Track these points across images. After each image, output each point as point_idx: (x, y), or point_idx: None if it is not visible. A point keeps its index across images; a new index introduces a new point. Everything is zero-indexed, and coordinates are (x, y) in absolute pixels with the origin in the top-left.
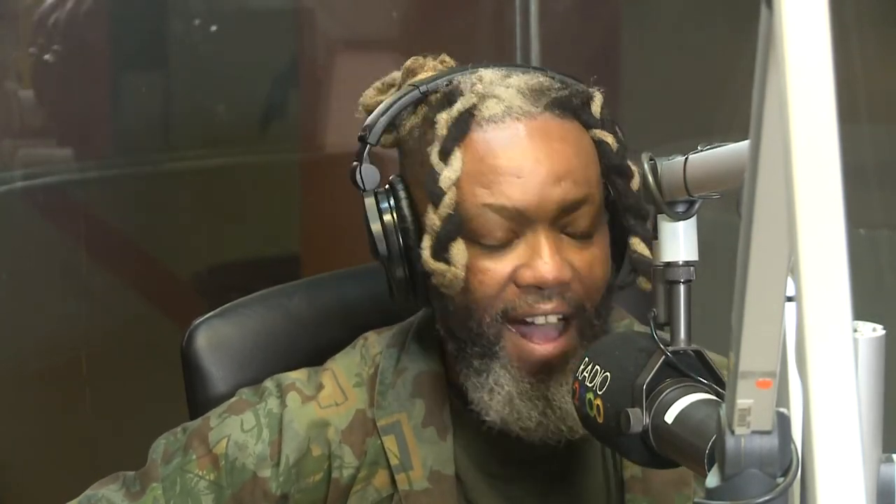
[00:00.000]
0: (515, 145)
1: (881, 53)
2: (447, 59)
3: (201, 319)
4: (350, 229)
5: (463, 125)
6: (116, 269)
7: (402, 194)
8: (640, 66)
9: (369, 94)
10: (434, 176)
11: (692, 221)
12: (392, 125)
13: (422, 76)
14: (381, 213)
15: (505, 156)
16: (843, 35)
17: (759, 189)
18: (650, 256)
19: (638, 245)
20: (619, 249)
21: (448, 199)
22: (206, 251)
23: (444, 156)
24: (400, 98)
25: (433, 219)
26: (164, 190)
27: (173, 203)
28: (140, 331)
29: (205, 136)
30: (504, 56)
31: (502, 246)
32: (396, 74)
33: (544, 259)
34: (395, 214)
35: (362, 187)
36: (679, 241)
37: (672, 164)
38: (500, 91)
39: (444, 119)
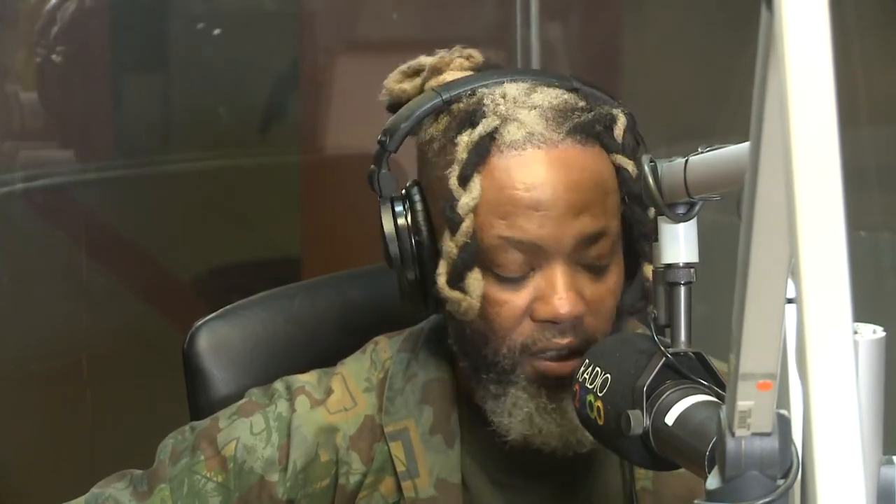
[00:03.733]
0: (535, 176)
1: (882, 55)
2: (474, 54)
3: (202, 321)
4: (351, 231)
5: (482, 150)
6: (117, 271)
7: (418, 202)
8: (641, 67)
9: (395, 78)
10: (452, 201)
11: (693, 223)
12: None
13: (447, 76)
14: (395, 219)
15: (524, 187)
16: (844, 37)
17: (759, 191)
18: None
19: (651, 272)
20: (630, 272)
21: (465, 227)
22: (206, 253)
23: (464, 182)
24: (422, 106)
25: (450, 246)
26: (165, 192)
27: (174, 205)
28: (141, 333)
29: (205, 137)
30: (505, 58)
31: (518, 278)
32: (424, 60)
33: (559, 294)
34: (409, 222)
35: (380, 193)
36: (679, 243)
37: (672, 166)
38: (522, 114)
39: (464, 142)
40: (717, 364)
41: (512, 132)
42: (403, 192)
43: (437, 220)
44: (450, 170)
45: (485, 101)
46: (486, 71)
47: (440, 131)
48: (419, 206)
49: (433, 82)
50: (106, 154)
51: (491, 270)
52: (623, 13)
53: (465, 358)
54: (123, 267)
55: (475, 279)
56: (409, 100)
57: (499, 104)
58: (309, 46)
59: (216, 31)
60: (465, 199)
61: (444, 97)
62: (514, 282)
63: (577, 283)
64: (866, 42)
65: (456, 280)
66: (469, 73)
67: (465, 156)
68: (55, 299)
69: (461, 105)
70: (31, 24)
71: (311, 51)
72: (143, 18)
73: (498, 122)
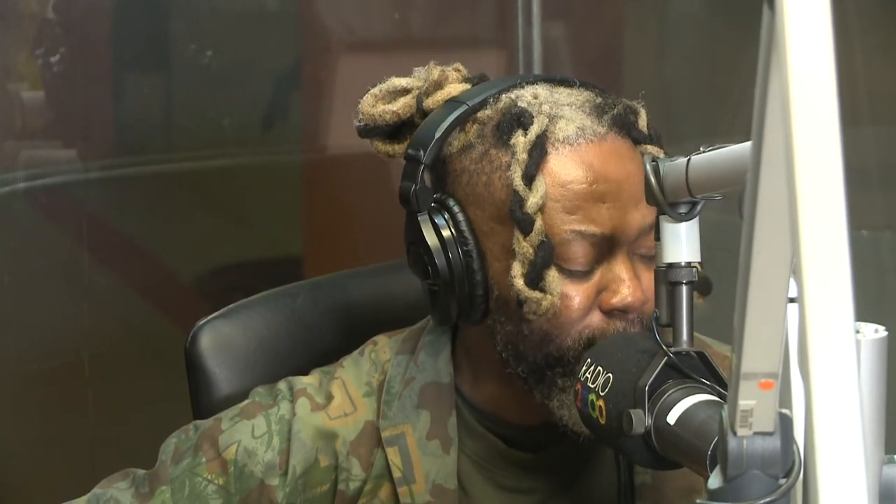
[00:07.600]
0: (594, 169)
1: (883, 54)
2: (461, 67)
3: (205, 321)
4: (353, 230)
5: (541, 148)
6: (119, 271)
7: (459, 213)
8: (642, 66)
9: (369, 102)
10: (520, 202)
11: (695, 222)
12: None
13: (450, 89)
14: (440, 234)
15: (587, 180)
16: (846, 36)
17: (761, 190)
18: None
19: None
20: None
21: (539, 226)
22: (209, 252)
23: (529, 181)
24: (448, 116)
25: (524, 246)
26: (167, 191)
27: (176, 204)
28: (143, 332)
29: (207, 137)
30: (506, 57)
31: (585, 271)
32: (398, 82)
33: (627, 283)
34: (454, 234)
35: (417, 209)
36: (681, 243)
37: (674, 165)
38: (565, 111)
39: (521, 142)
40: (718, 347)
41: (563, 128)
42: (434, 204)
43: (483, 228)
44: (509, 172)
45: (519, 103)
46: (494, 80)
47: (474, 139)
48: (461, 217)
49: (438, 97)
50: (108, 153)
51: (559, 265)
52: (624, 12)
53: (519, 361)
54: (125, 266)
55: (554, 277)
56: (396, 121)
57: (535, 104)
58: (310, 46)
59: (218, 31)
60: (534, 199)
61: (470, 104)
62: (581, 275)
63: (637, 272)
64: (868, 40)
65: (535, 280)
66: (465, 85)
67: (525, 156)
68: (57, 298)
69: (488, 112)
70: (33, 24)
71: (312, 50)
72: (145, 17)
73: (547, 120)
